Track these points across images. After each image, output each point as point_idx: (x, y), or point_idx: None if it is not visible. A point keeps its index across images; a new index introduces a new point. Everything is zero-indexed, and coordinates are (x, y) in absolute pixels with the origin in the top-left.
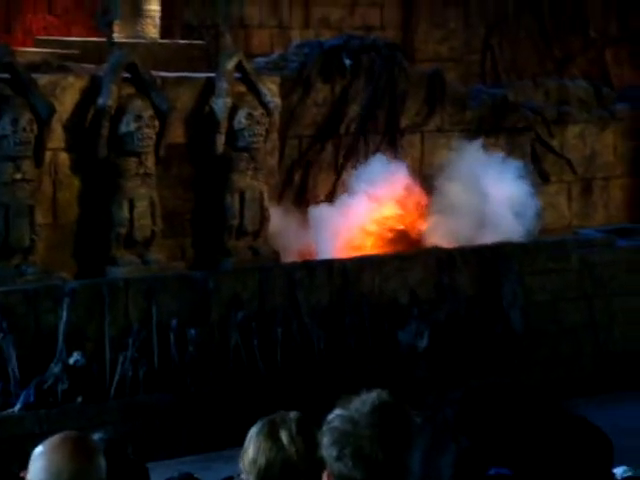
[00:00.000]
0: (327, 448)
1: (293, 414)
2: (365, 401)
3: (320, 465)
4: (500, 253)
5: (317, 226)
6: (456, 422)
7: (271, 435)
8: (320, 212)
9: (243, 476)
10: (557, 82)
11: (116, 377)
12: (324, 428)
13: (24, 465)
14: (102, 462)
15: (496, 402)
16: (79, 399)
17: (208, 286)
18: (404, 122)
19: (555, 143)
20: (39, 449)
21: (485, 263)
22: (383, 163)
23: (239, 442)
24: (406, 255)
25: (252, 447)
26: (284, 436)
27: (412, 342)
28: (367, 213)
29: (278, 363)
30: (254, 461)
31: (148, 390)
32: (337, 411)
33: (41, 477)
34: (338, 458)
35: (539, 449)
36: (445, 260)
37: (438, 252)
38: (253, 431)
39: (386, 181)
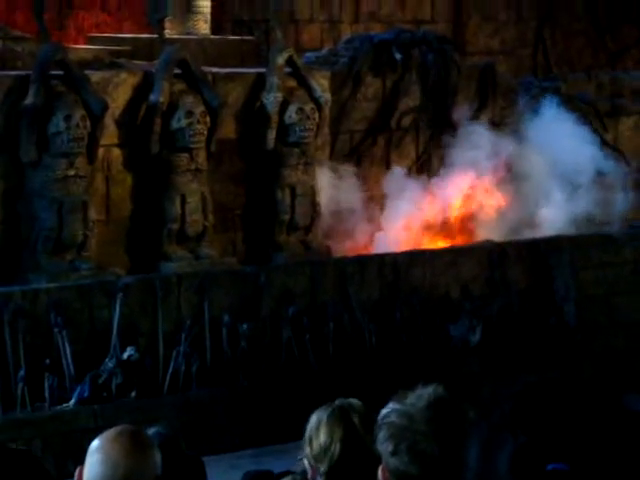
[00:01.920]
0: (382, 443)
1: (355, 401)
2: (421, 396)
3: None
4: (553, 246)
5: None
6: (513, 417)
7: (344, 421)
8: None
9: (307, 463)
10: (610, 74)
11: (169, 372)
12: (379, 422)
13: (79, 459)
14: (158, 456)
15: (554, 397)
16: (133, 394)
17: (260, 281)
18: (455, 116)
19: (609, 136)
20: (96, 443)
21: (537, 257)
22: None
23: (291, 437)
24: (458, 249)
25: (323, 433)
26: (357, 423)
27: (464, 337)
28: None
29: (330, 357)
30: (327, 448)
31: (201, 385)
32: (392, 405)
33: (97, 471)
34: (394, 453)
35: (597, 445)
36: (497, 254)
37: (490, 246)
38: (320, 417)
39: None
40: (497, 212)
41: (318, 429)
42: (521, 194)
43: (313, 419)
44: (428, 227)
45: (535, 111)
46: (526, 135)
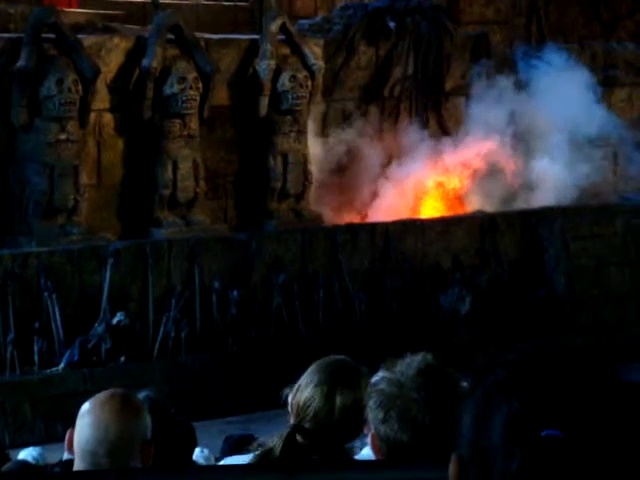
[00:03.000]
0: (373, 410)
1: (354, 371)
2: (410, 364)
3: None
4: (543, 217)
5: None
6: (508, 384)
7: (327, 397)
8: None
9: (290, 411)
10: (604, 45)
11: (159, 337)
12: (369, 390)
13: (68, 422)
14: (148, 420)
15: (550, 364)
16: (122, 359)
17: (250, 248)
18: (449, 85)
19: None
20: (86, 406)
21: (528, 227)
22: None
23: (280, 403)
24: (449, 219)
25: (304, 395)
26: (339, 401)
27: (454, 306)
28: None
29: (320, 325)
30: (302, 409)
31: (190, 350)
32: (382, 373)
33: (88, 433)
34: (384, 420)
35: (592, 413)
36: (488, 224)
37: (481, 217)
38: (310, 377)
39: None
40: (505, 175)
41: (306, 386)
42: (527, 154)
43: (310, 371)
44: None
45: (535, 75)
46: (529, 96)
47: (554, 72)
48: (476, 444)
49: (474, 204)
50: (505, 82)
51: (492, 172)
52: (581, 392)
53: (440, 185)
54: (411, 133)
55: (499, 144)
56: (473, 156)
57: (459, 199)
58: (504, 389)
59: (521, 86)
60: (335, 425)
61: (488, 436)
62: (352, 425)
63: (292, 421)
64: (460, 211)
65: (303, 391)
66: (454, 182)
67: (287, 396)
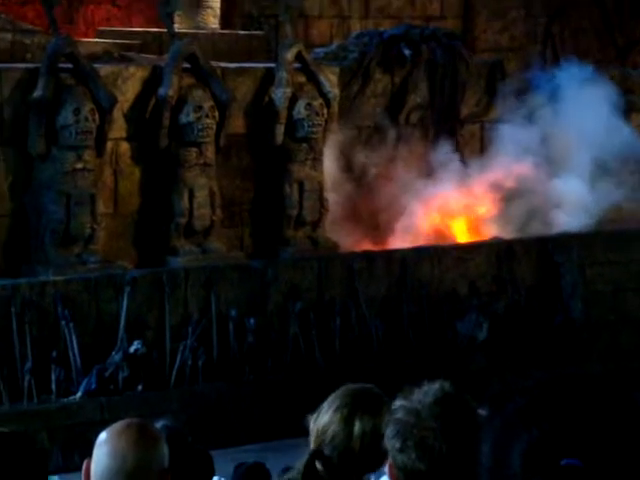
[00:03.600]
0: (390, 439)
1: (376, 399)
2: (427, 392)
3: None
4: (560, 244)
5: None
6: (527, 412)
7: (346, 421)
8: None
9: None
10: (620, 70)
11: (176, 366)
12: (386, 419)
13: (85, 451)
14: (165, 449)
15: (568, 392)
16: (139, 387)
17: (267, 276)
18: (464, 112)
19: None
20: (103, 435)
21: (545, 254)
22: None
23: (296, 432)
24: (465, 246)
25: (322, 420)
26: (357, 428)
27: (471, 333)
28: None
29: (336, 353)
30: (321, 434)
31: (207, 379)
32: (399, 402)
33: (105, 463)
34: (401, 450)
35: (611, 441)
36: (505, 251)
37: (498, 243)
38: (331, 402)
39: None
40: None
41: (326, 411)
42: (554, 174)
43: (333, 397)
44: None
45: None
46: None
47: (577, 87)
48: (495, 473)
49: (502, 227)
50: (533, 101)
51: (522, 194)
52: (600, 420)
53: (468, 208)
54: (437, 156)
55: (530, 165)
56: (503, 178)
57: (485, 222)
58: (523, 418)
59: (545, 106)
60: (354, 452)
61: (507, 465)
62: (372, 453)
63: (312, 447)
64: (486, 235)
65: (323, 415)
66: (483, 205)
67: (309, 422)
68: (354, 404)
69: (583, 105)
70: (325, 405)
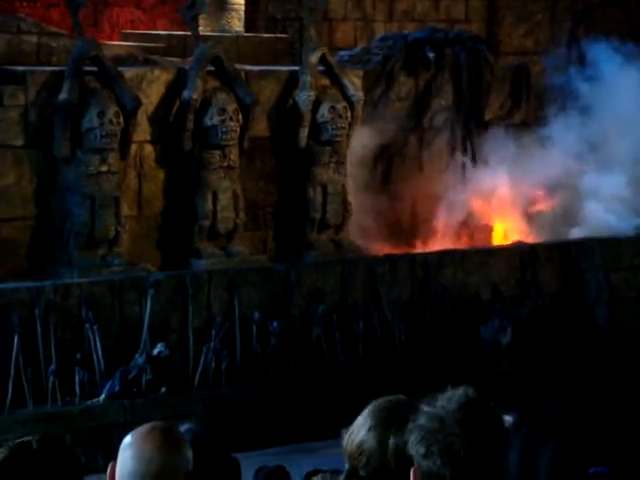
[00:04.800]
0: (414, 446)
1: (412, 412)
2: (451, 398)
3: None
4: (584, 248)
5: None
6: (554, 419)
7: (380, 438)
8: None
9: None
10: None
11: (199, 368)
12: (410, 425)
13: (109, 454)
14: (190, 453)
15: (596, 399)
16: (163, 390)
17: (290, 279)
18: (488, 115)
19: None
20: (128, 439)
21: (569, 258)
22: None
23: (320, 435)
24: (489, 250)
25: (357, 440)
26: (391, 444)
27: (494, 337)
28: None
29: (359, 356)
30: (356, 454)
31: (230, 382)
32: (423, 408)
33: (130, 466)
34: (426, 456)
35: (638, 448)
36: (528, 255)
37: (521, 247)
38: (364, 420)
39: None
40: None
41: (359, 430)
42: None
43: (364, 413)
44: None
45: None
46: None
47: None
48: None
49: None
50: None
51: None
52: (626, 427)
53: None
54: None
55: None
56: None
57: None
58: (550, 425)
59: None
60: (390, 470)
61: (535, 472)
62: (408, 469)
63: (347, 465)
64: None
65: (357, 435)
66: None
67: (342, 437)
68: (387, 421)
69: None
70: (358, 422)
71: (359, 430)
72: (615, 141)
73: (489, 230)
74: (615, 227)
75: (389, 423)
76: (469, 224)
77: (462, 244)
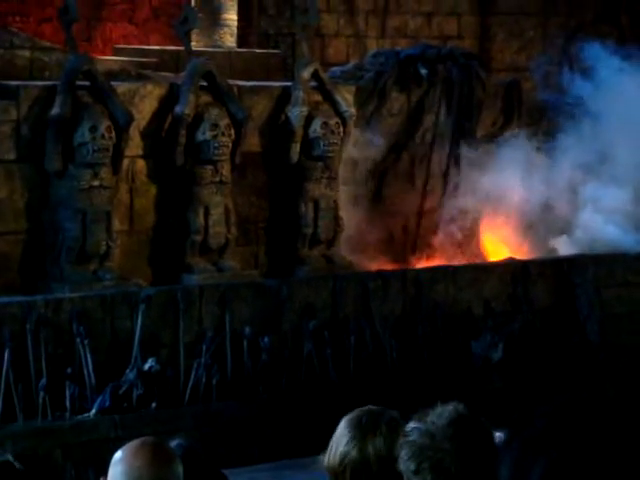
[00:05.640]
0: (405, 462)
1: (384, 417)
2: (441, 414)
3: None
4: (576, 264)
5: None
6: (546, 435)
7: (360, 447)
8: None
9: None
10: None
11: (190, 383)
12: (400, 441)
13: (99, 469)
14: (180, 468)
15: (586, 416)
16: (153, 405)
17: (281, 294)
18: (480, 132)
19: None
20: (119, 454)
21: (560, 274)
22: None
23: (311, 451)
24: (480, 266)
25: (338, 454)
26: (372, 450)
27: (486, 353)
28: None
29: (350, 372)
30: (341, 470)
31: (221, 397)
32: (413, 424)
33: None
34: (416, 472)
35: (628, 465)
36: (520, 271)
37: (513, 263)
38: (341, 434)
39: None
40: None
41: (337, 445)
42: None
43: (338, 430)
44: None
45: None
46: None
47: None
48: None
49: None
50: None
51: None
52: (617, 444)
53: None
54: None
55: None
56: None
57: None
58: (542, 441)
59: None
60: (374, 478)
61: None
62: (394, 477)
63: None
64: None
65: (337, 449)
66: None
67: (321, 461)
68: (363, 429)
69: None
70: (336, 438)
71: (338, 444)
72: (619, 149)
73: (482, 245)
74: (616, 240)
75: (365, 431)
76: (463, 239)
77: (456, 260)
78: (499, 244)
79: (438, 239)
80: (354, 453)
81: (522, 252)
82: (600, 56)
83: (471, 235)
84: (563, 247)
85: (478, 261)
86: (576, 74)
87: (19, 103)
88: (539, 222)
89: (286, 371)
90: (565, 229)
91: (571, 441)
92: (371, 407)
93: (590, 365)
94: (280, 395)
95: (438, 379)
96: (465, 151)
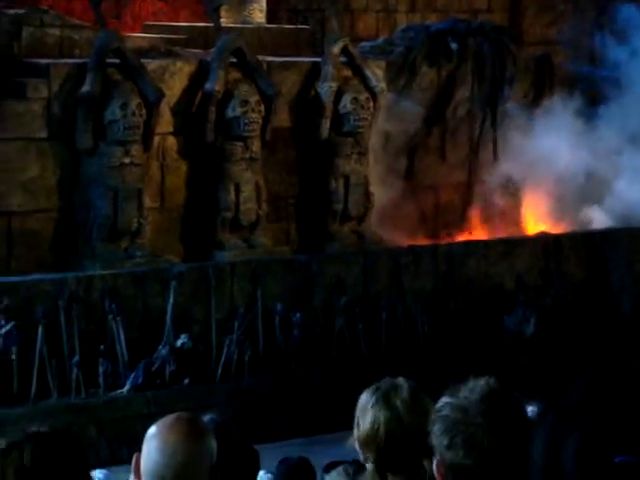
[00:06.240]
0: (437, 437)
1: (402, 381)
2: (474, 389)
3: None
4: (608, 238)
5: None
6: (581, 408)
7: (387, 405)
8: None
9: (357, 447)
10: None
11: (222, 360)
12: (433, 417)
13: (132, 445)
14: (214, 443)
15: (621, 388)
16: (186, 381)
17: (312, 270)
18: (510, 106)
19: None
20: (153, 430)
21: (593, 248)
22: None
23: (343, 426)
24: (512, 240)
25: (368, 420)
26: (400, 405)
27: (518, 328)
28: None
29: (382, 347)
30: (372, 434)
31: (253, 373)
32: (446, 399)
33: (155, 457)
34: (449, 447)
35: None
36: (552, 245)
37: (545, 237)
38: (365, 402)
39: None
40: None
41: (364, 413)
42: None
43: (360, 401)
44: None
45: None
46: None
47: None
48: (548, 470)
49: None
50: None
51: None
52: None
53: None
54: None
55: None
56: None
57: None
58: (576, 414)
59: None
60: (411, 435)
61: (560, 461)
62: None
63: (371, 459)
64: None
65: (364, 418)
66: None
67: (352, 444)
68: (383, 392)
69: None
70: (360, 410)
71: (364, 412)
72: None
73: (518, 219)
74: None
75: (387, 392)
76: (497, 213)
77: (488, 234)
78: (540, 215)
79: (476, 212)
80: (383, 413)
81: (561, 223)
82: (636, 19)
83: (514, 206)
84: (598, 216)
85: (518, 234)
86: (610, 40)
87: (50, 81)
88: (578, 191)
89: (318, 347)
90: (602, 198)
91: (605, 414)
92: (380, 383)
93: (623, 338)
94: (312, 371)
95: (470, 354)
96: (501, 122)
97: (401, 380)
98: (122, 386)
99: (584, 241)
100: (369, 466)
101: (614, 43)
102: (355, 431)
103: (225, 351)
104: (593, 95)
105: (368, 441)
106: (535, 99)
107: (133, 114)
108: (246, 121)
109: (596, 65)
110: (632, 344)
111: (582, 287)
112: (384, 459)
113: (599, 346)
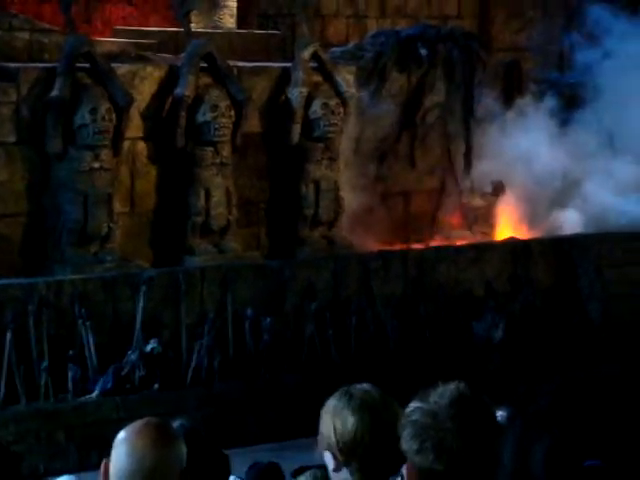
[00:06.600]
0: (407, 442)
1: (368, 386)
2: (443, 393)
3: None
4: (577, 244)
5: None
6: (549, 413)
7: (367, 410)
8: None
9: (330, 455)
10: None
11: (192, 365)
12: (403, 421)
13: (102, 450)
14: (183, 448)
15: (589, 394)
16: (156, 386)
17: (283, 275)
18: (480, 112)
19: None
20: (122, 435)
21: (562, 254)
22: None
23: (312, 432)
24: (482, 245)
25: (349, 426)
26: (379, 410)
27: (487, 333)
28: None
29: (352, 353)
30: (356, 439)
31: (223, 378)
32: (415, 404)
33: (124, 462)
34: (419, 451)
35: (633, 441)
36: (521, 251)
37: (514, 243)
38: (339, 407)
39: None
40: None
41: (339, 419)
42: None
43: (332, 407)
44: None
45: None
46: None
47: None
48: (517, 474)
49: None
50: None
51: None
52: (620, 421)
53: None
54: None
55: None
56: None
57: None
58: (545, 419)
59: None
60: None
61: (529, 465)
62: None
63: (355, 466)
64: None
65: (343, 427)
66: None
67: (320, 453)
68: (354, 397)
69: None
70: (330, 420)
71: (339, 420)
72: (629, 122)
73: (490, 225)
74: (621, 211)
75: (356, 396)
76: (469, 219)
77: (459, 239)
78: (511, 221)
79: (447, 218)
80: (366, 419)
81: (532, 228)
82: (606, 21)
83: (486, 213)
84: (569, 219)
85: (488, 240)
86: (580, 42)
87: (19, 85)
88: (548, 196)
89: (288, 352)
90: (572, 202)
91: (574, 419)
92: (347, 388)
93: (591, 344)
94: (282, 376)
95: (440, 359)
96: (473, 129)
97: (367, 385)
98: (91, 391)
99: (553, 247)
100: (346, 471)
101: (584, 46)
102: (330, 436)
103: (195, 356)
104: (563, 100)
105: (352, 447)
106: (504, 105)
107: (103, 119)
108: (216, 126)
109: (564, 71)
110: (601, 350)
111: (551, 293)
112: (369, 465)
113: (568, 352)
